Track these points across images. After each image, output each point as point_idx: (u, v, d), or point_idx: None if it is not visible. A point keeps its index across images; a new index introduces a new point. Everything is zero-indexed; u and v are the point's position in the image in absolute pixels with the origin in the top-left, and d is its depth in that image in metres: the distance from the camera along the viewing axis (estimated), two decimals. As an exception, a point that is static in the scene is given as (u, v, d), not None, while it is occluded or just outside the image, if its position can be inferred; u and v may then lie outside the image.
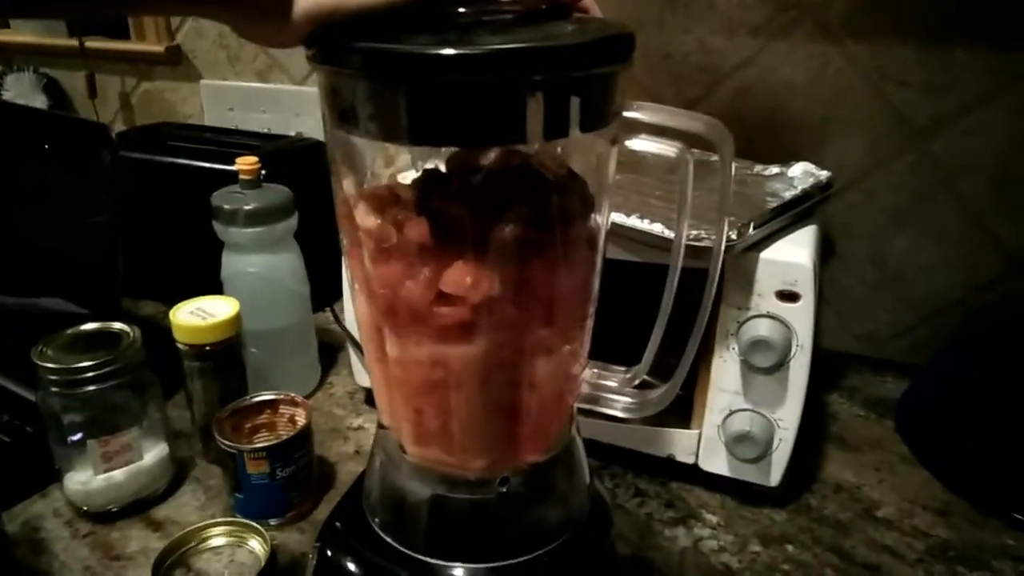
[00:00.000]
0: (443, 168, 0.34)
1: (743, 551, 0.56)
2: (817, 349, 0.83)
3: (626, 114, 0.31)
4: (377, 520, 0.40)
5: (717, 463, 0.60)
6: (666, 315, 0.36)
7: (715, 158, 0.64)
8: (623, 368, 0.37)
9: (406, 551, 0.38)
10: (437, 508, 0.37)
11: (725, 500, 0.62)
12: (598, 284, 0.36)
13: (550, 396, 0.36)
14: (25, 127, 0.66)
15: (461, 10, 0.29)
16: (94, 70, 1.10)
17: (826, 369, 0.81)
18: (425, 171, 0.33)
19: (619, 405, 0.37)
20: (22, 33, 1.14)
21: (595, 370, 0.37)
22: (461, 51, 0.26)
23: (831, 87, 0.75)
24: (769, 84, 0.77)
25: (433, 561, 0.37)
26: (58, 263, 0.80)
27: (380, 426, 0.40)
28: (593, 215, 0.35)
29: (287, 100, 1.01)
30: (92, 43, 1.07)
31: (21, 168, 0.70)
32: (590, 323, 0.37)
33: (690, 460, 0.61)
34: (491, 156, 0.32)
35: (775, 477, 0.59)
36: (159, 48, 1.04)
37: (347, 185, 0.34)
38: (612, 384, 0.37)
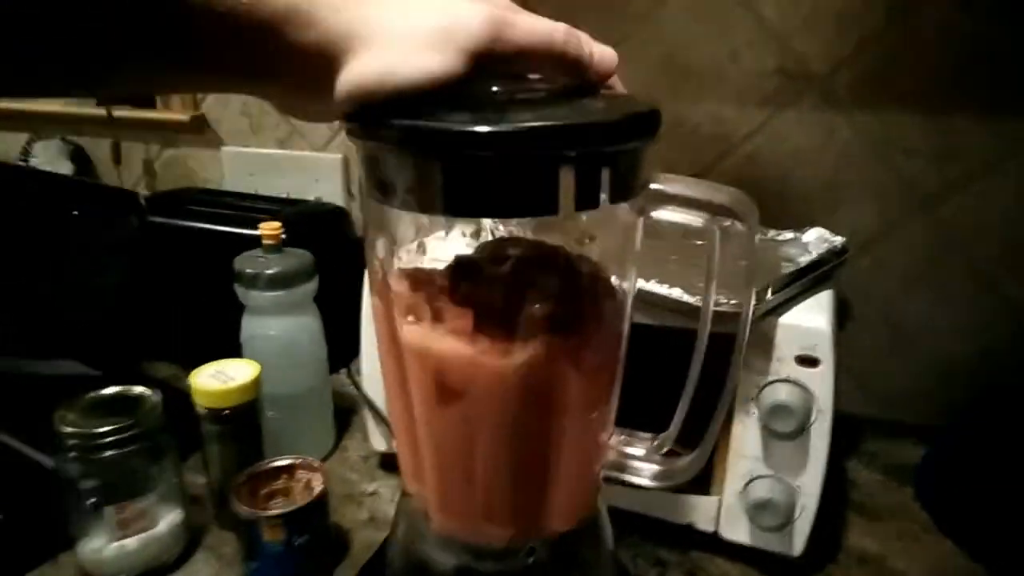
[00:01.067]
0: (472, 246, 0.35)
1: (768, 625, 0.55)
2: (835, 412, 0.83)
3: (653, 186, 0.32)
4: (400, 590, 0.39)
5: (738, 532, 0.59)
6: (694, 381, 0.36)
7: (729, 223, 0.65)
8: (650, 435, 0.37)
9: (429, 624, 0.38)
10: (462, 579, 0.37)
11: (747, 570, 0.60)
12: (625, 352, 0.37)
13: (577, 463, 0.36)
14: (55, 193, 0.68)
15: (495, 89, 0.31)
16: (120, 138, 1.13)
17: (843, 433, 0.80)
18: (457, 259, 0.34)
19: (646, 473, 0.37)
20: (51, 103, 1.18)
21: (622, 437, 0.37)
22: (496, 128, 0.27)
23: (839, 155, 0.77)
24: (778, 152, 0.79)
25: (458, 635, 0.37)
26: (75, 325, 0.81)
27: (404, 493, 0.40)
28: (619, 283, 0.35)
29: (307, 166, 1.03)
30: (119, 112, 1.10)
31: (47, 233, 0.72)
32: (617, 389, 0.37)
33: (710, 528, 0.60)
34: (520, 245, 0.33)
35: (798, 547, 0.58)
36: (184, 117, 1.07)
37: (380, 249, 0.34)
38: (639, 452, 0.37)
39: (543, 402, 0.32)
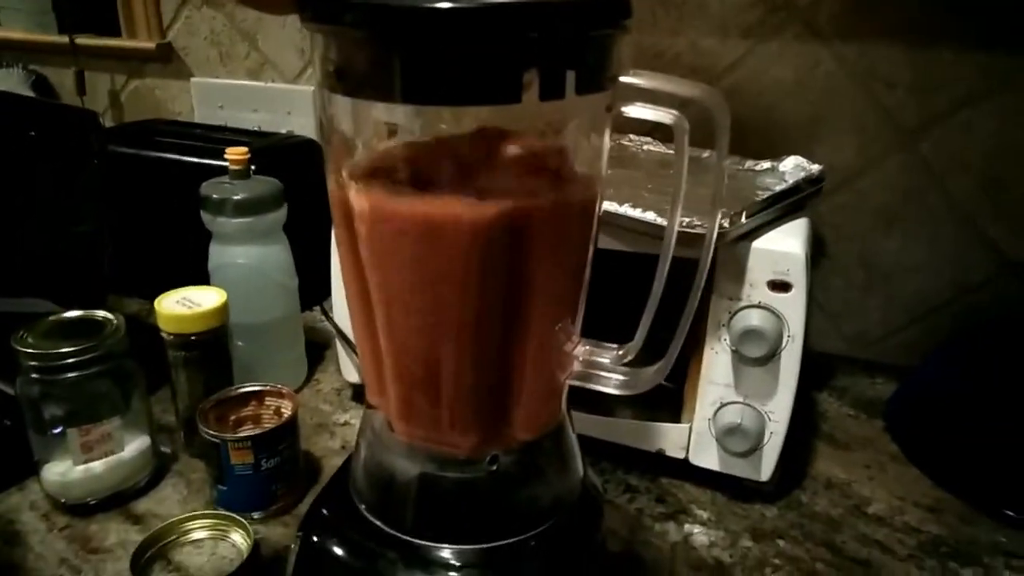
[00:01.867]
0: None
1: (734, 546, 0.56)
2: (807, 350, 0.84)
3: (623, 79, 0.31)
4: (363, 502, 0.39)
5: (707, 458, 0.60)
6: (659, 293, 0.35)
7: (707, 154, 0.64)
8: (615, 346, 0.36)
9: (393, 532, 0.37)
10: (425, 487, 0.37)
11: (716, 496, 0.61)
12: (590, 261, 0.36)
13: (541, 371, 0.35)
14: (11, 114, 0.65)
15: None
16: (84, 67, 1.09)
17: (816, 370, 0.80)
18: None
19: (612, 382, 0.36)
20: (12, 30, 1.13)
21: (587, 347, 0.37)
22: (457, 5, 0.26)
23: (821, 87, 0.76)
24: (760, 84, 0.78)
25: (420, 542, 0.37)
26: (41, 261, 0.79)
27: (368, 406, 0.40)
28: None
29: (278, 98, 1.00)
30: (82, 40, 1.06)
31: (4, 159, 0.69)
32: (582, 301, 0.37)
33: (680, 455, 0.61)
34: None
35: (766, 472, 0.58)
36: (150, 45, 1.03)
37: (335, 141, 0.33)
38: (604, 361, 0.36)
39: (509, 282, 0.31)
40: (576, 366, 0.37)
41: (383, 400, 0.38)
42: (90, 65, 1.10)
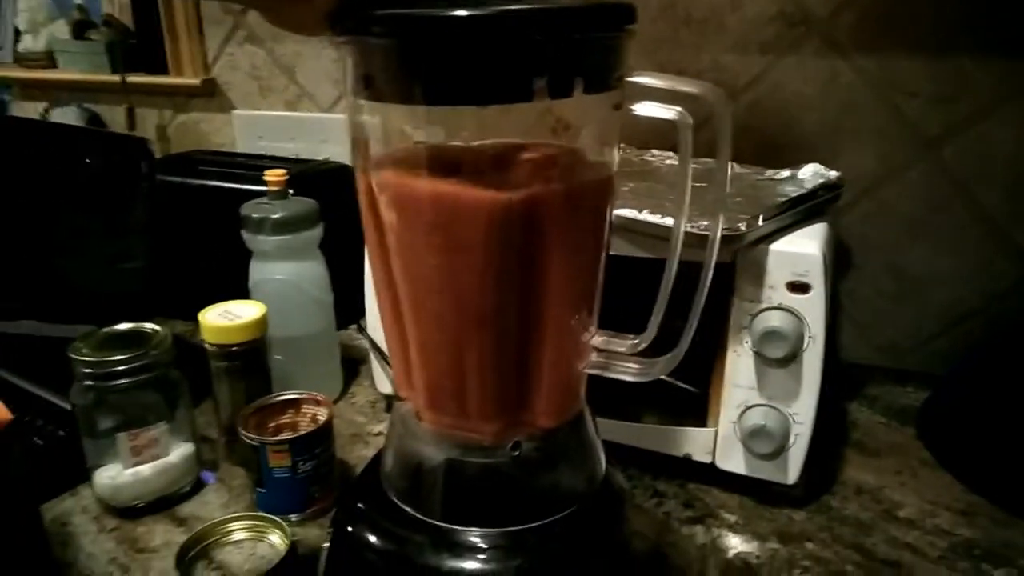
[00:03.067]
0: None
1: (762, 548, 0.56)
2: (838, 361, 0.84)
3: (629, 79, 0.33)
4: (393, 490, 0.41)
5: (734, 462, 0.60)
6: (668, 288, 0.37)
7: (707, 163, 0.65)
8: (631, 336, 0.38)
9: (422, 518, 0.39)
10: (452, 473, 0.38)
11: (743, 500, 0.62)
12: (605, 251, 0.38)
13: (560, 360, 0.37)
14: (67, 143, 0.70)
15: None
16: (134, 104, 1.16)
17: (848, 380, 0.80)
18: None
19: (628, 371, 0.38)
20: (69, 72, 1.21)
21: (604, 337, 0.38)
22: (473, 12, 0.28)
23: (841, 99, 0.77)
24: (781, 98, 0.79)
25: (449, 526, 0.38)
26: (91, 290, 0.83)
27: (397, 398, 0.42)
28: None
29: (314, 128, 1.05)
30: (133, 78, 1.13)
31: (61, 186, 0.74)
32: (598, 293, 0.39)
33: (707, 459, 0.62)
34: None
35: (792, 475, 0.59)
36: (195, 81, 1.09)
37: (363, 144, 0.36)
38: (620, 350, 0.38)
39: (528, 268, 0.33)
40: (594, 356, 0.39)
41: (411, 392, 0.40)
42: (140, 102, 1.16)
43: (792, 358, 0.55)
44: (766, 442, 0.57)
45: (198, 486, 0.64)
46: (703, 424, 0.61)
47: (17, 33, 1.31)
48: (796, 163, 0.70)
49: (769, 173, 0.68)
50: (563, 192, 0.33)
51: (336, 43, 0.33)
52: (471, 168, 0.32)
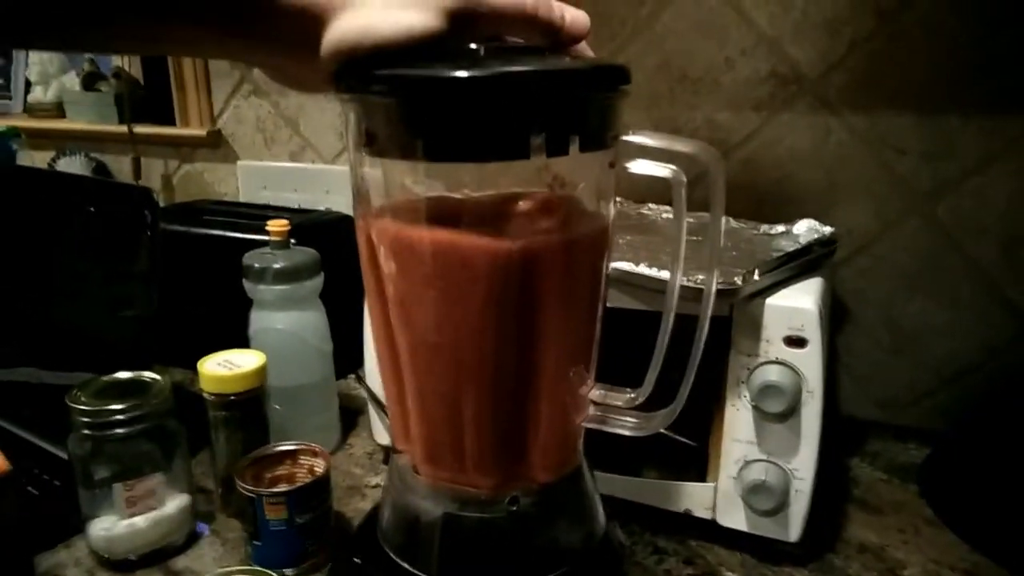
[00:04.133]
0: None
1: (764, 606, 0.55)
2: (838, 416, 0.84)
3: (624, 138, 0.34)
4: (390, 545, 0.41)
5: (735, 518, 0.60)
6: (664, 342, 0.37)
7: (703, 216, 0.66)
8: (628, 389, 0.38)
9: (419, 573, 0.39)
10: (449, 527, 0.38)
11: (745, 559, 0.61)
12: (602, 305, 0.38)
13: (558, 414, 0.37)
14: (72, 192, 0.71)
15: (472, 46, 0.33)
16: (140, 154, 1.18)
17: (848, 436, 0.80)
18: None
19: (626, 425, 0.38)
20: (76, 122, 1.23)
21: (601, 391, 0.39)
22: (471, 74, 0.29)
23: (834, 156, 0.79)
24: (774, 155, 0.81)
25: (445, 583, 0.38)
26: (91, 336, 0.83)
27: (394, 450, 0.42)
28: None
29: (318, 178, 1.06)
30: (140, 129, 1.15)
31: (66, 234, 0.75)
32: (595, 347, 0.39)
33: (707, 515, 0.61)
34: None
35: (794, 532, 0.58)
36: (202, 132, 1.12)
37: (364, 195, 0.37)
38: (618, 403, 0.38)
39: (525, 319, 0.34)
40: (591, 410, 0.39)
41: (408, 445, 0.40)
42: (146, 152, 1.19)
43: (791, 413, 0.55)
44: (766, 498, 0.56)
45: (193, 538, 0.63)
46: (703, 479, 0.61)
47: (28, 85, 1.34)
48: (791, 218, 0.71)
49: (764, 228, 0.69)
50: (561, 242, 0.33)
51: (340, 100, 0.34)
52: (470, 218, 0.33)
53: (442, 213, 0.35)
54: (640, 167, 0.34)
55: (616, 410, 0.39)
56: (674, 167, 0.34)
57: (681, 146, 0.33)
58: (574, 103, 0.31)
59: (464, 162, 0.32)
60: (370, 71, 0.31)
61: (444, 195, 0.36)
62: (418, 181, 0.36)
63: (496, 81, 0.30)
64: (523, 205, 0.35)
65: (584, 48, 0.37)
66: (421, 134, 0.31)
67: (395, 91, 0.31)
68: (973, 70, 0.72)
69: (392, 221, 0.36)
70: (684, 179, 0.34)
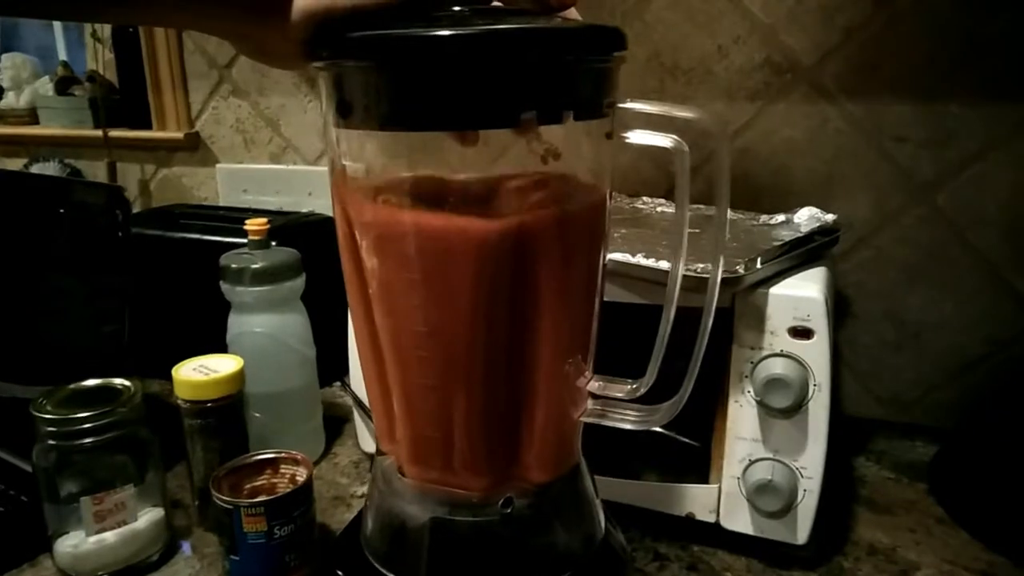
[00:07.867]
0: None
1: (773, 613, 0.52)
2: (842, 415, 0.81)
3: (621, 105, 0.31)
4: (373, 554, 0.37)
5: (740, 521, 0.57)
6: (666, 332, 0.35)
7: (704, 208, 0.64)
8: (628, 380, 0.36)
9: (405, 586, 0.36)
10: (437, 533, 0.35)
11: (751, 563, 0.58)
12: (599, 292, 0.35)
13: (554, 406, 0.34)
14: (41, 193, 0.68)
15: (456, 8, 0.30)
16: (116, 159, 1.14)
17: (852, 435, 0.78)
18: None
19: (628, 419, 0.35)
20: (50, 127, 1.20)
21: (600, 383, 0.36)
22: (456, 32, 0.27)
23: (832, 145, 0.76)
24: (771, 145, 0.79)
25: (433, 595, 0.35)
26: (64, 347, 0.80)
27: (378, 452, 0.38)
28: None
29: (300, 180, 1.03)
30: (115, 133, 1.12)
31: (35, 238, 0.72)
32: (593, 335, 0.36)
33: (711, 519, 0.58)
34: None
35: (802, 534, 0.55)
36: (179, 135, 1.08)
37: (342, 171, 0.34)
38: (619, 395, 0.35)
39: (517, 305, 0.31)
40: (590, 403, 0.36)
41: (393, 445, 0.37)
42: (122, 156, 1.15)
43: (797, 408, 0.52)
44: (773, 498, 0.54)
45: (167, 555, 0.59)
46: (705, 480, 0.58)
47: (0, 91, 1.30)
48: (790, 208, 0.68)
49: (764, 218, 0.67)
50: (554, 218, 0.31)
51: (314, 70, 0.31)
52: (456, 199, 0.30)
53: (426, 194, 0.32)
54: (639, 137, 0.31)
55: (617, 403, 0.36)
56: (675, 137, 0.31)
57: (683, 112, 0.31)
58: (567, 65, 0.29)
59: (448, 130, 0.29)
60: (345, 34, 0.28)
61: (428, 174, 0.33)
62: (398, 156, 0.33)
63: (482, 40, 0.27)
64: (512, 183, 0.32)
65: (573, 15, 0.34)
66: (401, 101, 0.28)
67: (372, 54, 0.28)
68: (971, 55, 0.70)
69: (373, 206, 0.33)
70: (686, 148, 0.31)
